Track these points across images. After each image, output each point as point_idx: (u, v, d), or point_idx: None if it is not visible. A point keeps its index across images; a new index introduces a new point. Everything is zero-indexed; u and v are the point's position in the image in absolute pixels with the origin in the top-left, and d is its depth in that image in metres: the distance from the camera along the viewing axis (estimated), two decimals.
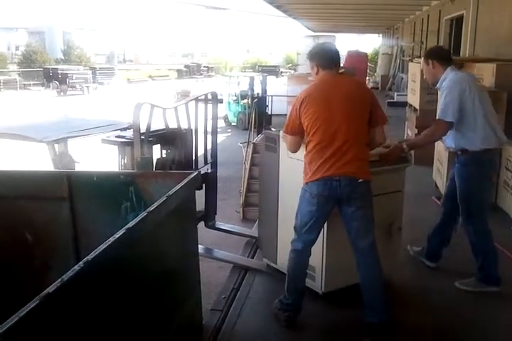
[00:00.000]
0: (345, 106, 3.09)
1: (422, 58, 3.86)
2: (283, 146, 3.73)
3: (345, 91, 3.16)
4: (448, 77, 3.68)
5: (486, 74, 6.14)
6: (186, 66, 43.17)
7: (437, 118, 3.65)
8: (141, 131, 3.70)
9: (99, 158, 5.86)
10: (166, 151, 4.16)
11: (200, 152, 4.41)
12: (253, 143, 7.14)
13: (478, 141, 3.65)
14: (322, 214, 3.18)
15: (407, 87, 11.27)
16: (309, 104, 3.09)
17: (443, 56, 3.85)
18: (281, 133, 3.56)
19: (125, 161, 3.92)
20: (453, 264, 4.20)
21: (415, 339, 3.27)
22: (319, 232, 3.26)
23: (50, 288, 1.57)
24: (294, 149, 3.33)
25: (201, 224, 4.18)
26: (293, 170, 3.62)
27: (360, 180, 3.09)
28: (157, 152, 4.09)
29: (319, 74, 3.22)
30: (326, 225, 3.41)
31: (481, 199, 3.82)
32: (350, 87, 3.24)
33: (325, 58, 3.21)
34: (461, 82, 3.64)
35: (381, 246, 3.26)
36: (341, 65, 3.35)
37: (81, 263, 1.74)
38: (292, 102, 3.22)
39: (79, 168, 3.77)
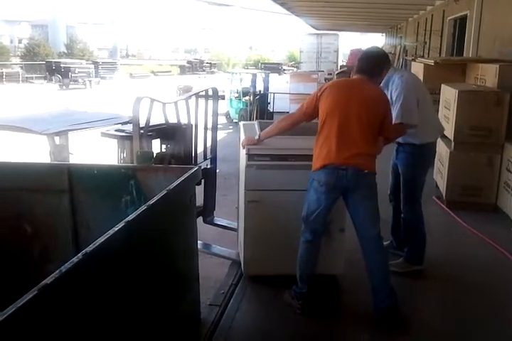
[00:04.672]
0: (363, 103, 3.25)
1: None
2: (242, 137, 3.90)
3: (366, 92, 3.33)
4: (395, 77, 3.83)
5: (489, 74, 6.13)
6: (189, 62, 43.06)
7: (400, 121, 3.66)
8: (141, 125, 3.69)
9: (98, 151, 5.87)
10: (166, 146, 4.15)
11: (200, 148, 4.41)
12: None
13: (425, 135, 3.91)
14: (329, 203, 3.30)
15: None
16: (330, 92, 3.29)
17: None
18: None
19: (124, 155, 3.91)
20: None
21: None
22: (325, 223, 3.39)
23: (48, 279, 1.56)
24: (284, 125, 3.53)
25: (199, 220, 4.18)
26: (242, 161, 3.78)
27: (366, 171, 3.23)
28: (157, 146, 4.08)
29: (352, 75, 3.50)
30: (243, 214, 3.69)
31: (421, 185, 4.07)
32: (372, 91, 3.39)
33: (358, 63, 3.44)
34: (412, 83, 3.87)
35: (322, 246, 3.44)
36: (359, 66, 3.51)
37: (80, 255, 1.74)
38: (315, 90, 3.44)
39: (73, 159, 3.76)
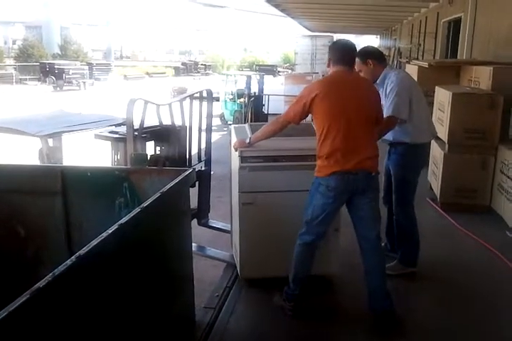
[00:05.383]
0: (359, 101, 3.22)
1: (359, 59, 3.79)
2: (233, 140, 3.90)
3: (360, 87, 3.31)
4: (390, 76, 3.84)
5: (483, 77, 6.15)
6: (183, 64, 43.09)
7: (391, 115, 3.73)
8: (135, 127, 3.68)
9: (92, 153, 5.84)
10: (160, 148, 4.14)
11: (194, 150, 4.39)
12: None
13: (417, 134, 3.88)
14: (336, 207, 3.28)
15: None
16: (325, 96, 3.16)
17: (380, 55, 4.01)
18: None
19: (118, 157, 3.89)
20: None
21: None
22: (329, 225, 3.37)
23: (41, 283, 1.55)
24: (274, 129, 3.47)
25: (194, 222, 4.16)
26: (235, 163, 3.79)
27: (373, 174, 3.22)
28: (151, 148, 4.07)
29: (331, 67, 3.34)
30: (238, 216, 3.70)
31: (414, 187, 4.03)
32: (363, 85, 3.38)
33: (336, 54, 3.32)
34: (407, 81, 3.88)
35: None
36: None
37: (73, 257, 1.73)
38: (302, 93, 3.30)
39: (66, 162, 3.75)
